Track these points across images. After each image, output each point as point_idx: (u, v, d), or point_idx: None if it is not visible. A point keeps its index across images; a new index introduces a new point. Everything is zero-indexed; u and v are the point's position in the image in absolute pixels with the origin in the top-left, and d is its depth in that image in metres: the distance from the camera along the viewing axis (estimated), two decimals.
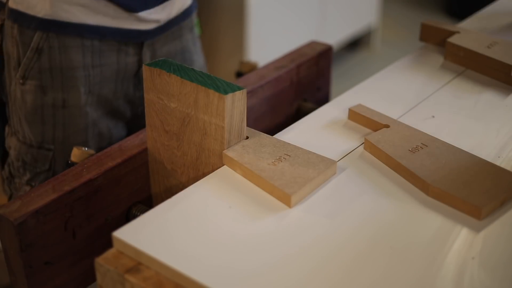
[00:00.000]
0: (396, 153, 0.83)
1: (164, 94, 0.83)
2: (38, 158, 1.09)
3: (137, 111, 1.17)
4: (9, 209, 0.81)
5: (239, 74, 1.27)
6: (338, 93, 1.05)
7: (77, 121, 1.09)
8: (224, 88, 0.79)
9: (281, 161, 0.80)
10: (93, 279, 0.89)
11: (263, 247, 0.70)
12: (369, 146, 0.86)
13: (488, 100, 0.99)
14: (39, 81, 1.06)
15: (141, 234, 0.71)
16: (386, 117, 0.91)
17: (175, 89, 0.82)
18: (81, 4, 1.03)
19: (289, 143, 0.83)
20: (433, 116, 0.94)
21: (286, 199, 0.75)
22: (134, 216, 0.92)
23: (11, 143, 1.12)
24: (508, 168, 0.83)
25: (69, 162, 0.96)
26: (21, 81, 1.06)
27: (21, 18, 1.04)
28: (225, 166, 0.82)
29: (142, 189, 0.94)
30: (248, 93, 1.04)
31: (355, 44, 3.24)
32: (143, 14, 1.08)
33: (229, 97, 0.78)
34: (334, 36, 2.85)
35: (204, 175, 0.83)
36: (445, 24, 1.15)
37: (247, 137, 0.84)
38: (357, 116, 0.92)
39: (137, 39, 1.10)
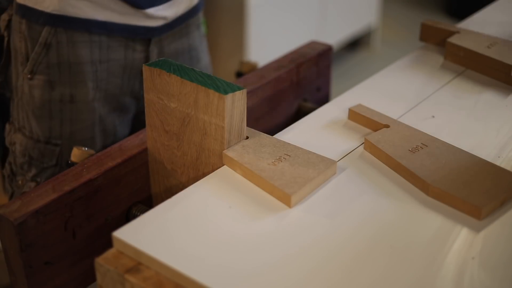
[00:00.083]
0: (396, 153, 0.83)
1: (164, 94, 0.83)
2: (45, 153, 1.09)
3: (141, 107, 1.17)
4: (9, 209, 0.81)
5: (239, 74, 1.27)
6: (338, 93, 1.05)
7: (84, 117, 1.09)
8: (224, 88, 0.79)
9: (281, 161, 0.80)
10: (93, 279, 0.90)
11: (263, 247, 0.70)
12: (369, 146, 0.86)
13: (488, 100, 0.99)
14: (47, 76, 1.07)
15: (141, 234, 0.71)
16: (386, 117, 0.91)
17: (175, 89, 0.82)
18: None
19: (289, 143, 0.83)
20: (433, 116, 0.94)
21: (286, 199, 0.75)
22: (134, 216, 0.92)
23: (16, 139, 1.12)
24: (508, 168, 0.83)
25: (69, 162, 0.96)
26: (29, 76, 1.07)
27: (29, 14, 1.05)
28: (225, 166, 0.82)
29: (142, 189, 0.94)
30: (248, 93, 1.04)
31: (355, 44, 3.24)
32: (151, 11, 1.08)
33: (229, 97, 0.78)
34: (334, 36, 2.85)
35: (204, 175, 0.83)
36: (445, 24, 1.15)
37: (247, 137, 0.84)
38: (357, 116, 0.92)
39: (144, 35, 1.11)
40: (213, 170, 0.82)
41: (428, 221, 0.74)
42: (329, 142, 0.88)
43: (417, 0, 3.80)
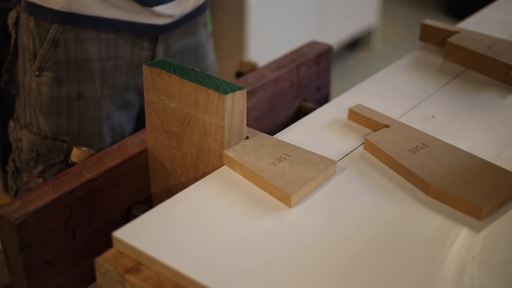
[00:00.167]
0: (396, 153, 0.83)
1: (164, 94, 0.84)
2: (53, 149, 1.10)
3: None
4: (9, 209, 0.81)
5: (239, 74, 1.27)
6: (338, 93, 1.05)
7: (92, 113, 1.10)
8: (224, 88, 0.79)
9: (281, 161, 0.80)
10: (93, 279, 0.90)
11: (263, 247, 0.70)
12: (369, 146, 0.86)
13: (488, 100, 0.99)
14: (55, 72, 1.07)
15: (141, 234, 0.71)
16: (386, 117, 0.91)
17: (175, 89, 0.82)
18: None
19: (289, 143, 0.83)
20: (433, 116, 0.94)
21: (286, 199, 0.75)
22: (134, 216, 0.92)
23: (23, 135, 1.12)
24: (508, 168, 0.83)
25: (69, 162, 0.96)
26: (37, 73, 1.07)
27: (38, 11, 1.05)
28: (225, 166, 0.82)
29: (142, 189, 0.94)
30: (248, 93, 1.04)
31: (355, 44, 3.24)
32: (158, 8, 1.09)
33: (229, 97, 0.78)
34: (334, 36, 2.85)
35: (204, 175, 0.83)
36: (445, 24, 1.15)
37: (247, 137, 0.84)
38: (357, 116, 0.92)
39: (151, 33, 1.11)
40: (213, 170, 0.82)
41: (428, 221, 0.74)
42: (329, 142, 0.88)
43: (417, 0, 3.80)
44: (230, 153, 0.81)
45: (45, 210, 0.82)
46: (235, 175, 0.81)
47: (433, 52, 1.13)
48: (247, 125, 0.83)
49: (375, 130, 0.90)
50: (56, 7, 1.04)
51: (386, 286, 0.65)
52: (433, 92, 1.01)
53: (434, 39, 1.14)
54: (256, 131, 0.86)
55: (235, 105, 0.79)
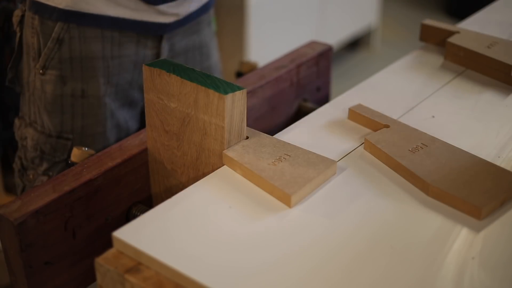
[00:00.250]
0: (396, 153, 0.83)
1: (164, 94, 0.84)
2: (57, 147, 1.10)
3: None
4: (9, 209, 0.81)
5: (239, 74, 1.27)
6: (338, 93, 1.05)
7: (95, 111, 1.10)
8: (224, 88, 0.79)
9: (281, 161, 0.80)
10: (93, 279, 0.90)
11: (263, 247, 0.70)
12: (369, 146, 0.86)
13: (488, 100, 0.99)
14: (59, 71, 1.08)
15: (141, 234, 0.71)
16: (386, 117, 0.91)
17: (175, 89, 0.82)
18: None
19: (289, 143, 0.83)
20: (433, 116, 0.94)
21: (286, 199, 0.75)
22: (134, 216, 0.92)
23: (27, 133, 1.13)
24: (508, 168, 0.83)
25: (69, 162, 0.96)
26: (41, 71, 1.08)
27: (42, 10, 1.06)
28: (225, 166, 0.82)
29: (142, 189, 0.94)
30: (248, 93, 1.04)
31: (355, 44, 3.24)
32: (163, 7, 1.09)
33: (229, 97, 0.78)
34: (334, 36, 2.85)
35: (204, 175, 0.83)
36: (445, 24, 1.15)
37: (247, 137, 0.84)
38: (357, 116, 0.92)
39: (156, 32, 1.12)
40: (213, 170, 0.82)
41: (428, 221, 0.74)
42: (329, 142, 0.88)
43: (417, 0, 3.80)
44: (230, 153, 0.81)
45: (45, 210, 0.82)
46: (235, 175, 0.81)
47: (433, 52, 1.13)
48: (247, 125, 0.83)
49: (375, 130, 0.90)
50: (61, 6, 1.04)
51: (386, 286, 0.65)
52: (433, 92, 1.01)
53: (434, 39, 1.14)
54: (256, 131, 0.86)
55: (235, 105, 0.79)
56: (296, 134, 0.90)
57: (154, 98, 0.85)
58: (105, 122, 1.11)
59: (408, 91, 1.01)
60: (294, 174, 0.78)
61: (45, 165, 1.11)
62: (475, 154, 0.84)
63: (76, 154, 0.95)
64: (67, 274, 0.88)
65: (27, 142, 1.13)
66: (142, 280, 0.68)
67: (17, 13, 1.12)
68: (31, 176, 1.13)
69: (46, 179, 1.10)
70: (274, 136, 0.87)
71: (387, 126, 0.89)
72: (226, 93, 0.78)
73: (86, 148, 0.96)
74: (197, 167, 0.85)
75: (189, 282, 0.66)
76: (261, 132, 0.85)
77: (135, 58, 1.11)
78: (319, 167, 0.79)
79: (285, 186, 0.76)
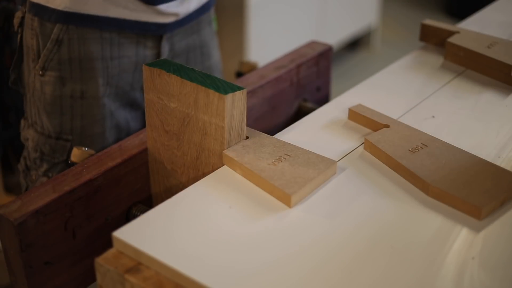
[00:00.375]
0: (396, 153, 0.83)
1: (164, 94, 0.84)
2: (56, 148, 1.10)
3: None
4: (9, 209, 0.81)
5: (239, 74, 1.27)
6: (338, 93, 1.05)
7: (94, 112, 1.10)
8: (224, 88, 0.79)
9: (281, 161, 0.80)
10: (93, 279, 0.90)
11: (263, 247, 0.70)
12: (369, 146, 0.86)
13: (488, 100, 0.99)
14: (58, 72, 1.08)
15: (141, 234, 0.71)
16: (386, 117, 0.91)
17: (175, 89, 0.82)
18: None
19: (289, 143, 0.83)
20: (433, 116, 0.94)
21: (286, 199, 0.75)
22: (134, 216, 0.92)
23: (29, 134, 1.13)
24: (508, 168, 0.83)
25: (69, 162, 0.96)
26: (40, 72, 1.08)
27: (42, 11, 1.06)
28: (225, 166, 0.82)
29: (142, 189, 0.94)
30: (248, 93, 1.04)
31: (355, 44, 3.24)
32: (162, 7, 1.09)
33: (229, 97, 0.78)
34: (334, 36, 2.85)
35: (204, 175, 0.83)
36: (445, 24, 1.15)
37: (247, 137, 0.84)
38: (357, 116, 0.92)
39: (155, 32, 1.11)
40: (213, 170, 0.82)
41: (428, 221, 0.74)
42: (329, 142, 0.88)
43: (417, 0, 3.80)
44: (230, 153, 0.81)
45: (45, 210, 0.82)
46: (235, 175, 0.81)
47: (433, 52, 1.13)
48: (247, 125, 0.83)
49: (375, 130, 0.90)
50: (60, 7, 1.05)
51: (386, 286, 0.65)
52: (433, 92, 1.01)
53: (434, 39, 1.14)
54: (256, 131, 0.86)
55: (235, 105, 0.79)
56: (296, 134, 0.90)
57: (154, 98, 0.85)
58: (104, 122, 1.11)
59: (408, 91, 1.01)
60: (294, 174, 0.78)
61: (45, 166, 1.11)
62: (475, 154, 0.84)
63: (76, 154, 0.95)
64: (67, 274, 0.88)
65: (29, 143, 1.13)
66: (142, 280, 0.68)
67: (17, 15, 1.12)
68: (33, 177, 1.13)
69: (46, 180, 1.10)
70: (274, 136, 0.87)
71: (387, 126, 0.89)
72: (226, 93, 0.78)
73: (86, 148, 0.96)
74: (197, 167, 0.85)
75: (189, 282, 0.66)
76: (261, 132, 0.85)
77: (135, 59, 1.11)
78: (319, 167, 0.79)
79: (285, 186, 0.76)
